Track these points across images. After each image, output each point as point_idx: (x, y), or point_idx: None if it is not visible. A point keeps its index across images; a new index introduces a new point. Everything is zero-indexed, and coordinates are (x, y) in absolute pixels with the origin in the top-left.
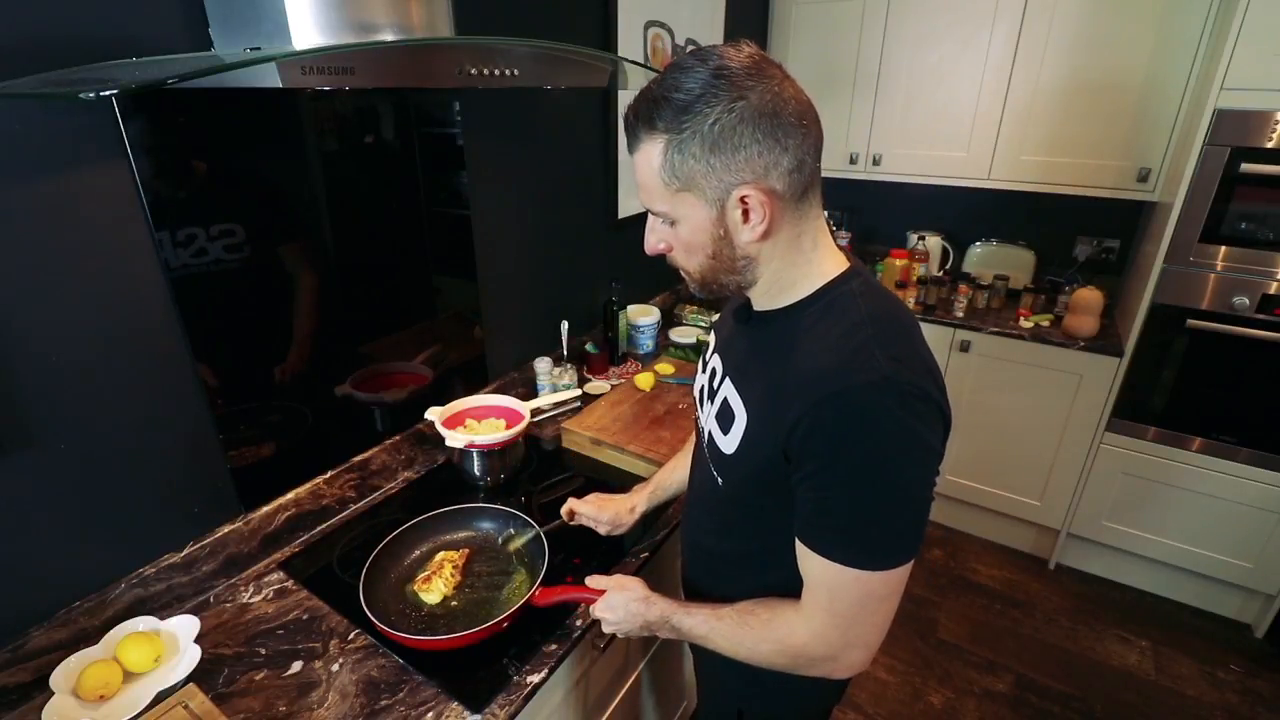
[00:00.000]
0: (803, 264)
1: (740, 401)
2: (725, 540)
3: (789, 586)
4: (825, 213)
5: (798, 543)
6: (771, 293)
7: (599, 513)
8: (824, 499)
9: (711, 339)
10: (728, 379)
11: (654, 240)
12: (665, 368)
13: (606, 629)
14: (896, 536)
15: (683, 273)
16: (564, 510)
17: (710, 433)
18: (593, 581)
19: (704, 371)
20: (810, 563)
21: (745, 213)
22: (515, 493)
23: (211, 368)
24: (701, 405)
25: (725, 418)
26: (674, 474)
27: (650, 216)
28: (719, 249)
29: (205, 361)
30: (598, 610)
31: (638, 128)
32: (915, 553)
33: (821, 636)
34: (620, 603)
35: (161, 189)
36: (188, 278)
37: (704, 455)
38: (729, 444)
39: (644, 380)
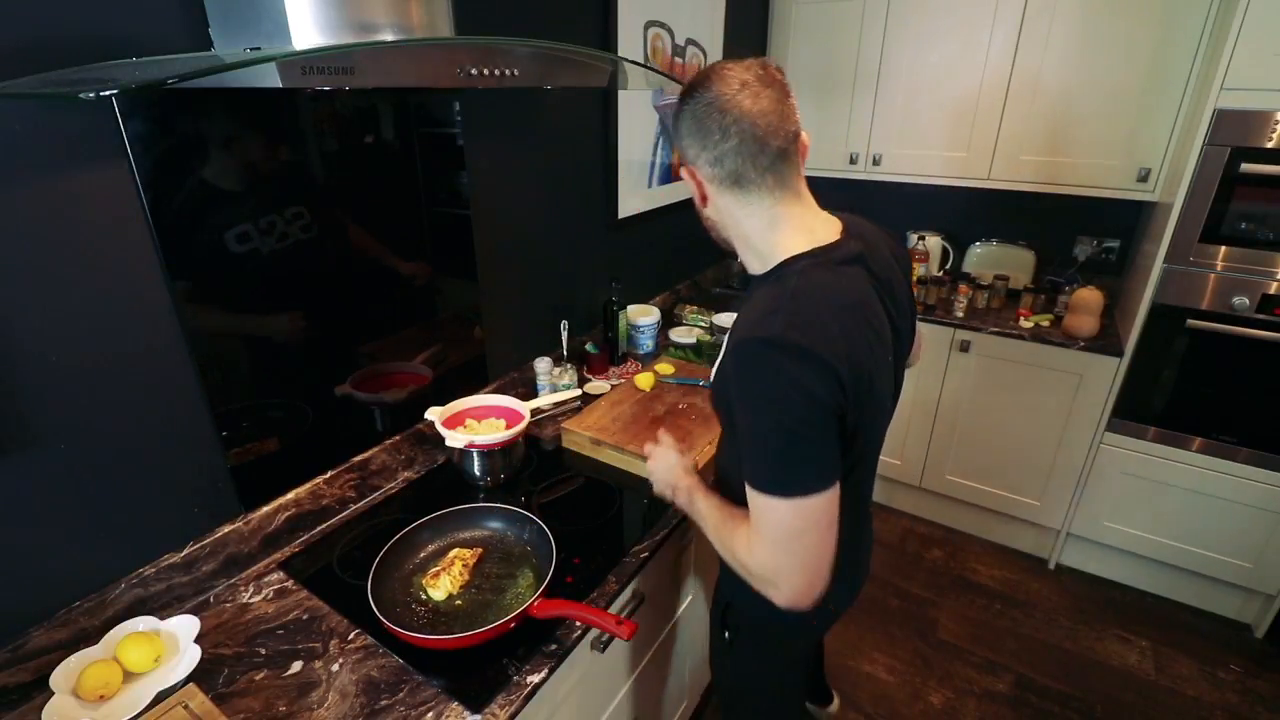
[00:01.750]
0: (759, 243)
1: (727, 342)
2: (719, 455)
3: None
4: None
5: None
6: (750, 262)
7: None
8: (740, 431)
9: None
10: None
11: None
12: (665, 368)
13: (649, 473)
14: (787, 467)
15: None
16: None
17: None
18: (660, 437)
19: None
20: (749, 496)
21: (692, 183)
22: (515, 493)
23: (212, 366)
24: None
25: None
26: None
27: None
28: (697, 207)
29: (205, 360)
30: (650, 460)
31: None
32: (812, 489)
33: (759, 558)
34: (668, 463)
35: (161, 189)
36: (187, 276)
37: None
38: (714, 372)
39: (644, 380)
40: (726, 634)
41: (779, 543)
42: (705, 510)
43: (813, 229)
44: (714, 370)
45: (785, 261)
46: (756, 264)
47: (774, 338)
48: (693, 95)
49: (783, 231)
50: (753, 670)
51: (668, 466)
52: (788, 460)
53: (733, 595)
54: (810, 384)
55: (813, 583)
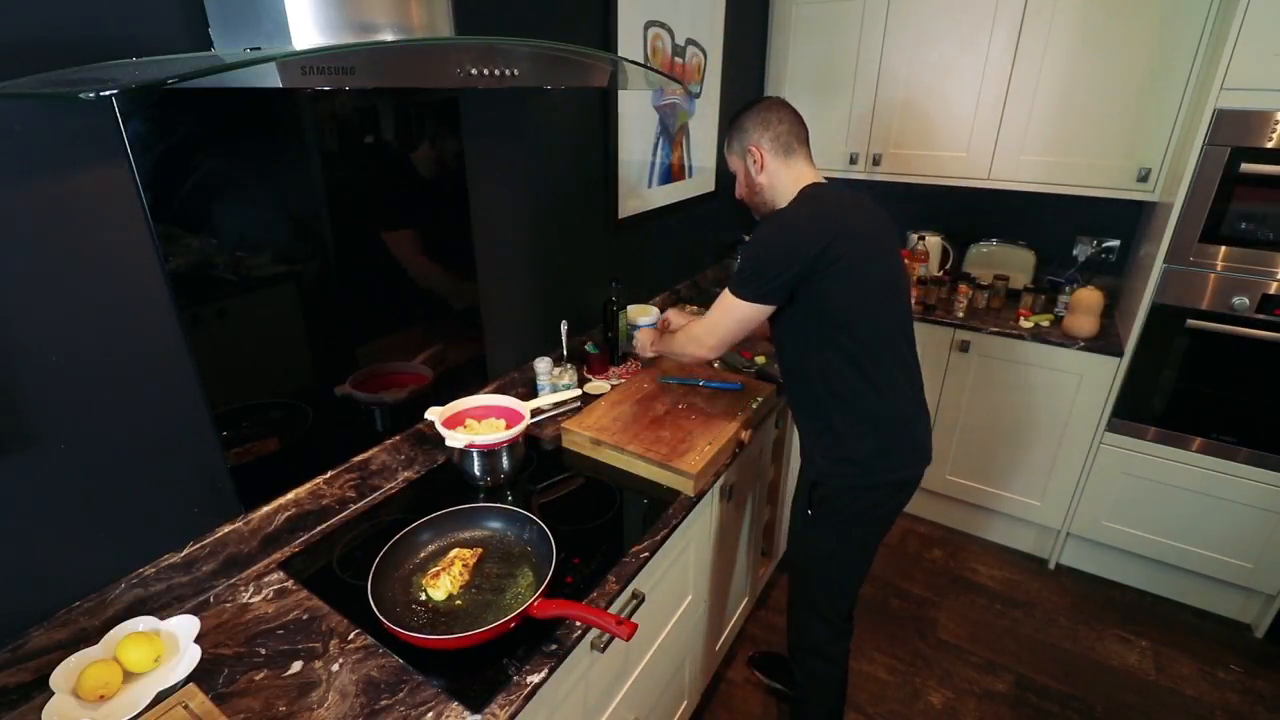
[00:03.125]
0: (792, 192)
1: None
2: (778, 356)
3: (798, 386)
4: (816, 171)
5: None
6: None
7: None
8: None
9: None
10: None
11: (737, 190)
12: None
13: (637, 344)
14: (746, 281)
15: (748, 206)
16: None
17: None
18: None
19: None
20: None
21: (756, 159)
22: (515, 493)
23: (212, 366)
24: None
25: None
26: None
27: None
28: (748, 180)
29: (206, 361)
30: (636, 338)
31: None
32: (748, 298)
33: (701, 325)
34: (640, 333)
35: (161, 189)
36: (187, 276)
37: None
38: None
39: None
40: (810, 510)
41: (717, 320)
42: (670, 335)
43: (819, 178)
44: None
45: (801, 190)
46: (783, 204)
47: (787, 213)
48: (752, 107)
49: (800, 183)
50: (826, 544)
51: (647, 334)
52: (747, 278)
53: (817, 476)
54: (784, 248)
55: (716, 348)
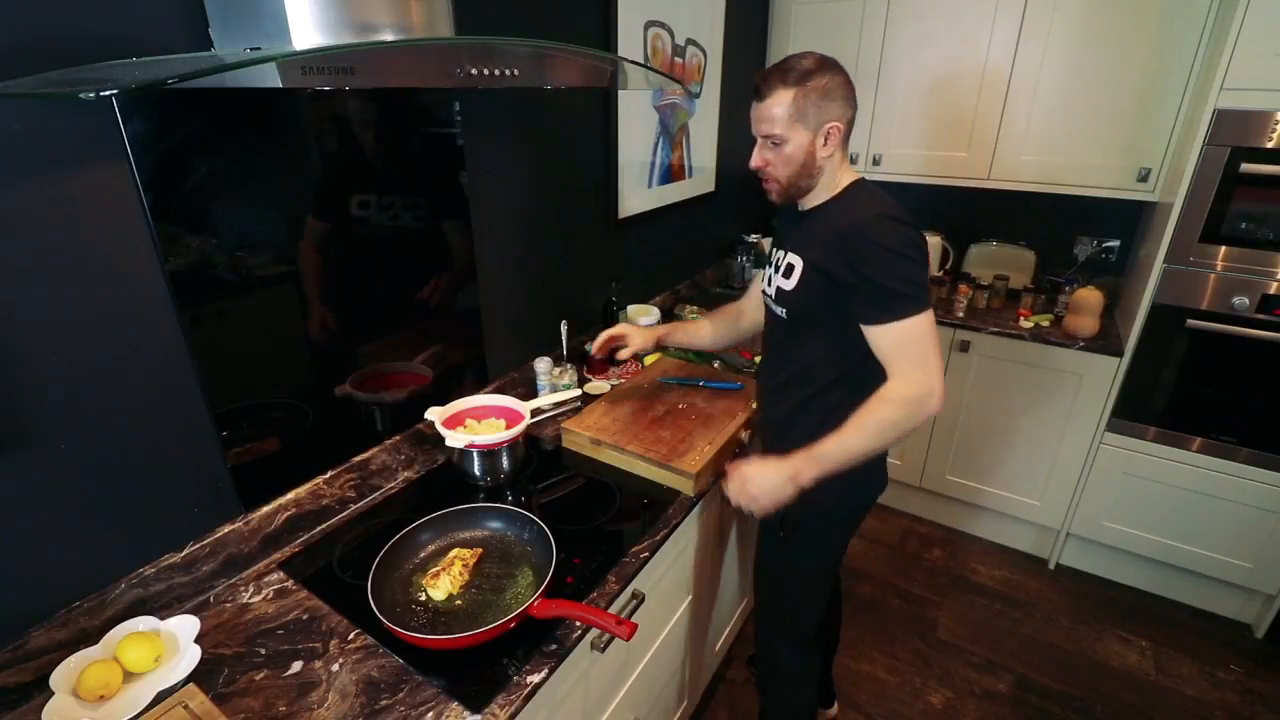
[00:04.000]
0: (832, 177)
1: (799, 258)
2: (787, 365)
3: (826, 397)
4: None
5: (868, 331)
6: (818, 195)
7: (633, 332)
8: (874, 290)
9: (773, 248)
10: (790, 251)
11: (760, 159)
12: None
13: (753, 499)
14: (916, 289)
15: (771, 182)
16: (597, 345)
17: (776, 284)
18: (730, 466)
19: (770, 264)
20: (883, 338)
21: (827, 138)
22: (515, 493)
23: (212, 366)
24: (767, 280)
25: (788, 271)
26: (693, 335)
27: (760, 142)
28: (807, 159)
29: (206, 360)
30: (744, 485)
31: (771, 85)
32: (929, 306)
33: (915, 382)
34: (766, 472)
35: (161, 189)
36: (187, 276)
37: (769, 304)
38: (790, 284)
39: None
40: (781, 533)
41: (925, 355)
42: (833, 443)
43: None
44: (793, 284)
45: (854, 183)
46: (825, 194)
47: (891, 213)
48: (833, 71)
49: (845, 169)
50: (809, 562)
51: (768, 475)
52: (919, 284)
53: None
54: (919, 239)
55: (943, 384)
